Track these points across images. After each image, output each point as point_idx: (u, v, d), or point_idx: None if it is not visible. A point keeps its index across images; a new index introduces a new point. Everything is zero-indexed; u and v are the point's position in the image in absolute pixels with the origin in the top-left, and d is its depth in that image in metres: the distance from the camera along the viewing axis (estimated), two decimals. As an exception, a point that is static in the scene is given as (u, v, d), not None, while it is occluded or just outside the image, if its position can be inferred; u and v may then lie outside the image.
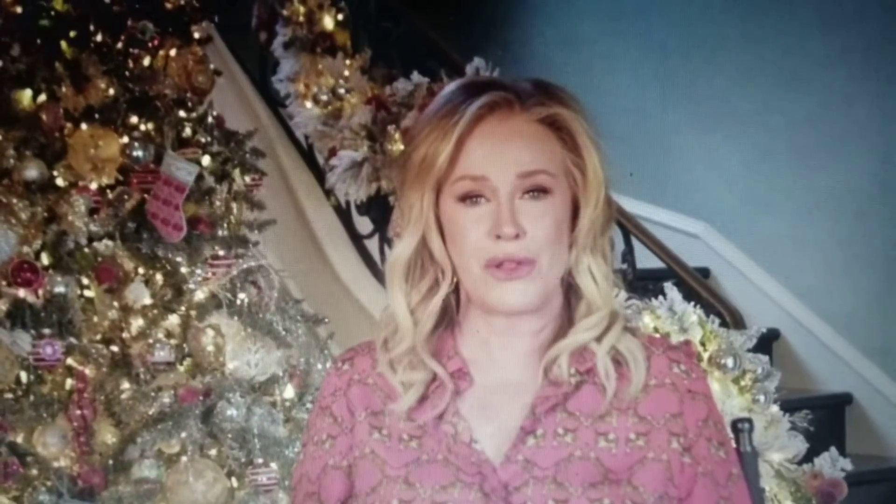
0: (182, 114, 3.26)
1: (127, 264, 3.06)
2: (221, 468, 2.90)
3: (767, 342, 4.10)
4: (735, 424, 1.79)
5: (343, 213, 4.26)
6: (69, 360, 2.95)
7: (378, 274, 4.06)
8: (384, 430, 1.49)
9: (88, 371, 2.94)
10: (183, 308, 3.05)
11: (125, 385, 2.97)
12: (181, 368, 2.99)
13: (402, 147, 3.74)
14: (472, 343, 1.50)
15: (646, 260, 3.70)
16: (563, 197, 1.46)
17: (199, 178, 3.15)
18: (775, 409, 2.57)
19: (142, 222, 3.10)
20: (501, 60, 3.87)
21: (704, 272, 4.42)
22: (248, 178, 3.31)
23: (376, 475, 1.47)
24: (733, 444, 1.63)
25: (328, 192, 4.19)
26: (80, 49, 3.19)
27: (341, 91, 4.05)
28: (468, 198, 1.44)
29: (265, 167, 3.44)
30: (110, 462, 2.91)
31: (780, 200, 4.41)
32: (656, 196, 4.68)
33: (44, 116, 3.12)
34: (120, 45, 3.24)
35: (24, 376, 2.93)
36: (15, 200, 3.00)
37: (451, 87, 1.49)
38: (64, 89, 3.14)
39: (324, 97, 4.06)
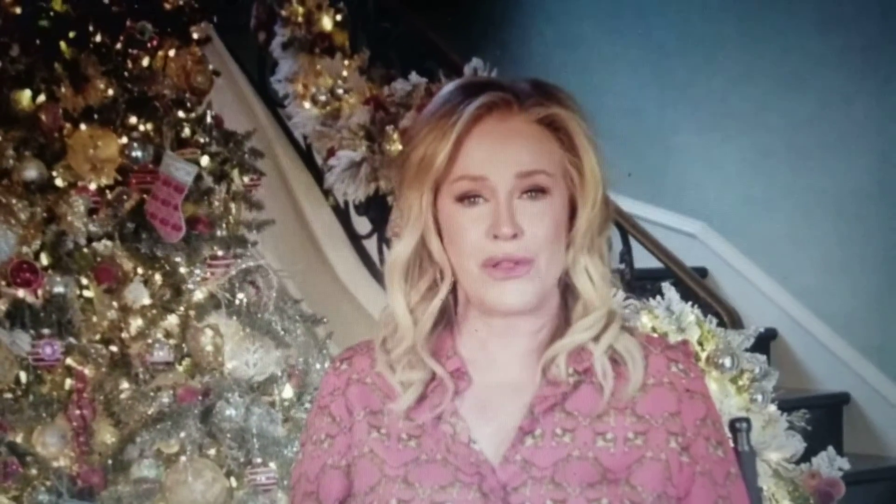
0: (181, 114, 3.26)
1: (126, 264, 3.06)
2: (220, 468, 2.90)
3: (765, 342, 4.10)
4: (733, 424, 1.79)
5: (341, 213, 4.25)
6: (68, 360, 2.95)
7: (376, 274, 4.06)
8: (383, 429, 1.49)
9: (88, 371, 2.94)
10: (182, 308, 3.05)
11: (124, 385, 2.97)
12: (180, 368, 2.99)
13: (400, 147, 3.74)
14: (470, 343, 1.50)
15: (644, 260, 3.69)
16: (562, 197, 1.46)
17: (198, 178, 3.15)
18: (773, 408, 2.57)
19: (141, 222, 3.10)
20: (499, 60, 3.87)
21: (702, 272, 4.41)
22: (246, 179, 3.31)
23: (375, 475, 1.47)
24: (731, 444, 1.63)
25: (327, 193, 4.19)
26: (80, 49, 3.18)
27: (340, 91, 4.04)
28: (466, 198, 1.44)
29: (264, 167, 3.44)
30: (109, 462, 2.91)
31: (779, 200, 4.41)
32: (654, 196, 4.68)
33: (43, 117, 3.11)
34: (119, 45, 3.24)
35: (23, 376, 2.93)
36: (14, 201, 3.00)
37: (449, 87, 1.50)
38: (63, 90, 3.13)
39: (322, 97, 4.05)
